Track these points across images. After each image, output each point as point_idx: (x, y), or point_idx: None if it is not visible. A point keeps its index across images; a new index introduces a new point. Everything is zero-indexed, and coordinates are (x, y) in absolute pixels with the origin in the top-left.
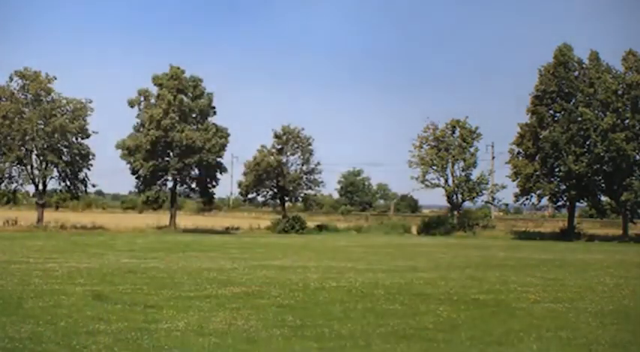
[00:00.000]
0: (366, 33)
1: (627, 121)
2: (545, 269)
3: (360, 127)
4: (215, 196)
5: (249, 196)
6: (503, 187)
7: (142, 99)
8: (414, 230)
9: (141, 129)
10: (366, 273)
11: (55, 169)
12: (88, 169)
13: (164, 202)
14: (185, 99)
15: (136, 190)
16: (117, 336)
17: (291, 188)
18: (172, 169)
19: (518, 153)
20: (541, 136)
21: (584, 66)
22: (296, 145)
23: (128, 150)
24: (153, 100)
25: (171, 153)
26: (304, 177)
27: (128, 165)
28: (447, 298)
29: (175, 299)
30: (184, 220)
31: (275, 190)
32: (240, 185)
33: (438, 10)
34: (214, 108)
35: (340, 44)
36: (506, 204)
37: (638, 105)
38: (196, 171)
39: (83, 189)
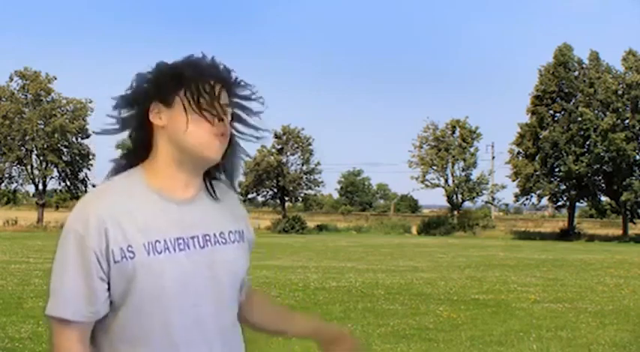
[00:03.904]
0: (366, 32)
1: (627, 121)
2: (545, 269)
3: (360, 127)
4: None
5: (249, 196)
6: (503, 187)
7: None
8: (414, 230)
9: None
10: (366, 273)
11: (55, 169)
12: (88, 169)
13: None
14: None
15: None
16: None
17: (291, 188)
18: None
19: (518, 153)
20: (541, 136)
21: (584, 66)
22: (296, 145)
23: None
24: None
25: None
26: (304, 177)
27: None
28: (447, 298)
29: None
30: None
31: (275, 190)
32: (240, 185)
33: (438, 10)
34: None
35: (340, 43)
36: (506, 204)
37: (638, 106)
38: None
39: (83, 189)
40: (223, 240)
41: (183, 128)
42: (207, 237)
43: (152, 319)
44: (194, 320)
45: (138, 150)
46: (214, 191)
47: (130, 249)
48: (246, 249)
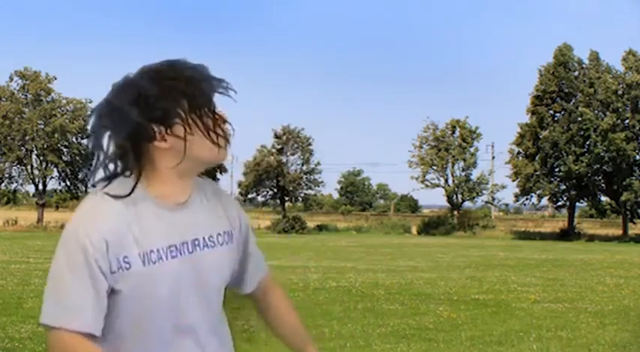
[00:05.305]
0: (366, 32)
1: (627, 121)
2: (545, 269)
3: (360, 127)
4: None
5: (249, 196)
6: (503, 187)
7: None
8: (414, 230)
9: None
10: (366, 273)
11: (55, 169)
12: (88, 169)
13: None
14: None
15: None
16: None
17: (291, 188)
18: None
19: (518, 153)
20: (541, 136)
21: (584, 66)
22: (296, 145)
23: None
24: None
25: None
26: (304, 177)
27: None
28: (447, 298)
29: None
30: None
31: (275, 190)
32: (240, 185)
33: (438, 10)
34: None
35: (340, 43)
36: (507, 204)
37: (638, 106)
38: None
39: (83, 189)
40: (212, 244)
41: (197, 149)
42: (197, 242)
43: (144, 323)
44: (186, 325)
45: (130, 161)
46: (205, 191)
47: (125, 259)
48: (234, 250)
